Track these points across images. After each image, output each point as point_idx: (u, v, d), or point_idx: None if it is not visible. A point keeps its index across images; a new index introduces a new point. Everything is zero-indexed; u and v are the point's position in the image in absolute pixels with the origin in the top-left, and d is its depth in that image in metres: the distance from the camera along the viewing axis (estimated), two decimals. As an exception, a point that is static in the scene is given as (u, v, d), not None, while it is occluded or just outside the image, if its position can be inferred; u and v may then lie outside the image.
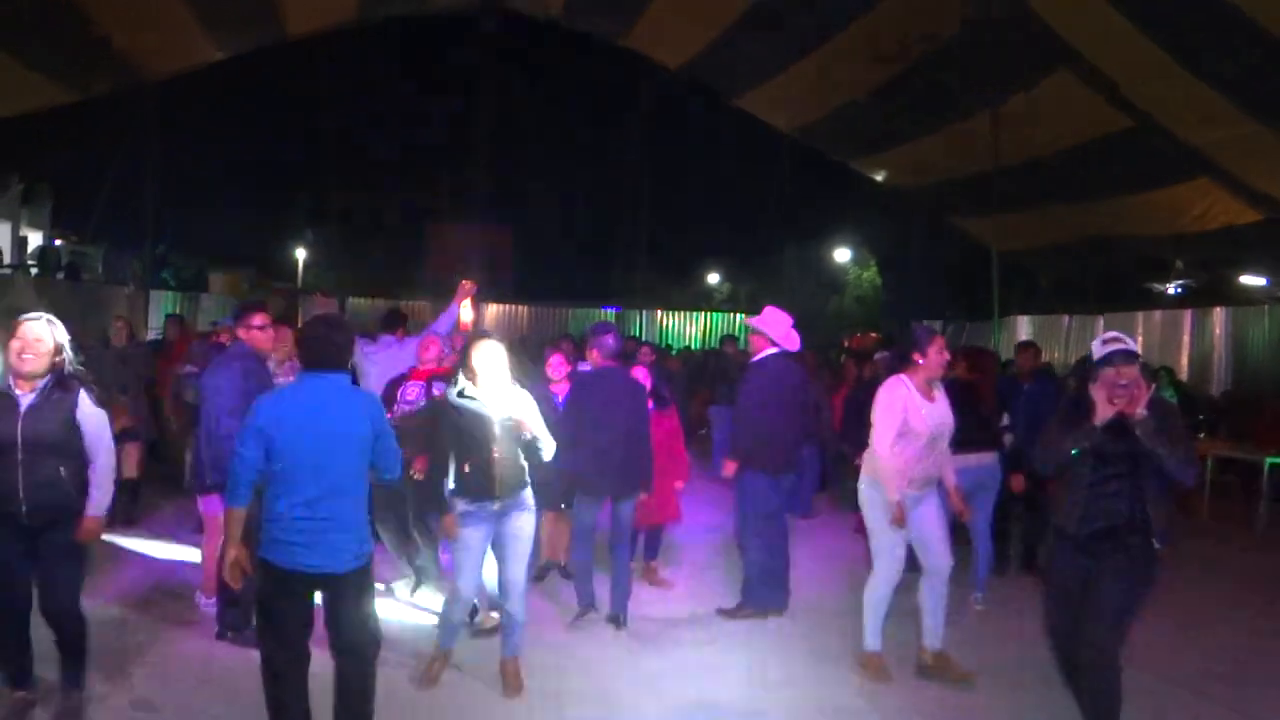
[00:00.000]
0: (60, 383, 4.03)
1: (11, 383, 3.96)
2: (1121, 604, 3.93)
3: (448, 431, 4.55)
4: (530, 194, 25.06)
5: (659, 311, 24.12)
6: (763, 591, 5.94)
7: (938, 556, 5.00)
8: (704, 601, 6.34)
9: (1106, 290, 17.38)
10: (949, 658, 5.06)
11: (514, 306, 22.92)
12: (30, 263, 21.12)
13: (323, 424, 3.60)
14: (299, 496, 3.58)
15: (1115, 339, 3.96)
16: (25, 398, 3.94)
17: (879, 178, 18.41)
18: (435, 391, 5.85)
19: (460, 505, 4.55)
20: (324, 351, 3.73)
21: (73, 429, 4.03)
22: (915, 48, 12.87)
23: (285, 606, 3.67)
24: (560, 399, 6.48)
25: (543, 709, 4.52)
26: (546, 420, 4.71)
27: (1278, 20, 8.77)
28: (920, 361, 4.90)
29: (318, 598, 3.73)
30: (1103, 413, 3.86)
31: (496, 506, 4.52)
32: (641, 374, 6.39)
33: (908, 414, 4.83)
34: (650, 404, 6.36)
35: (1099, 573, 3.94)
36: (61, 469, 3.99)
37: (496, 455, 4.45)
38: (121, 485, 7.81)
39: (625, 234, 27.89)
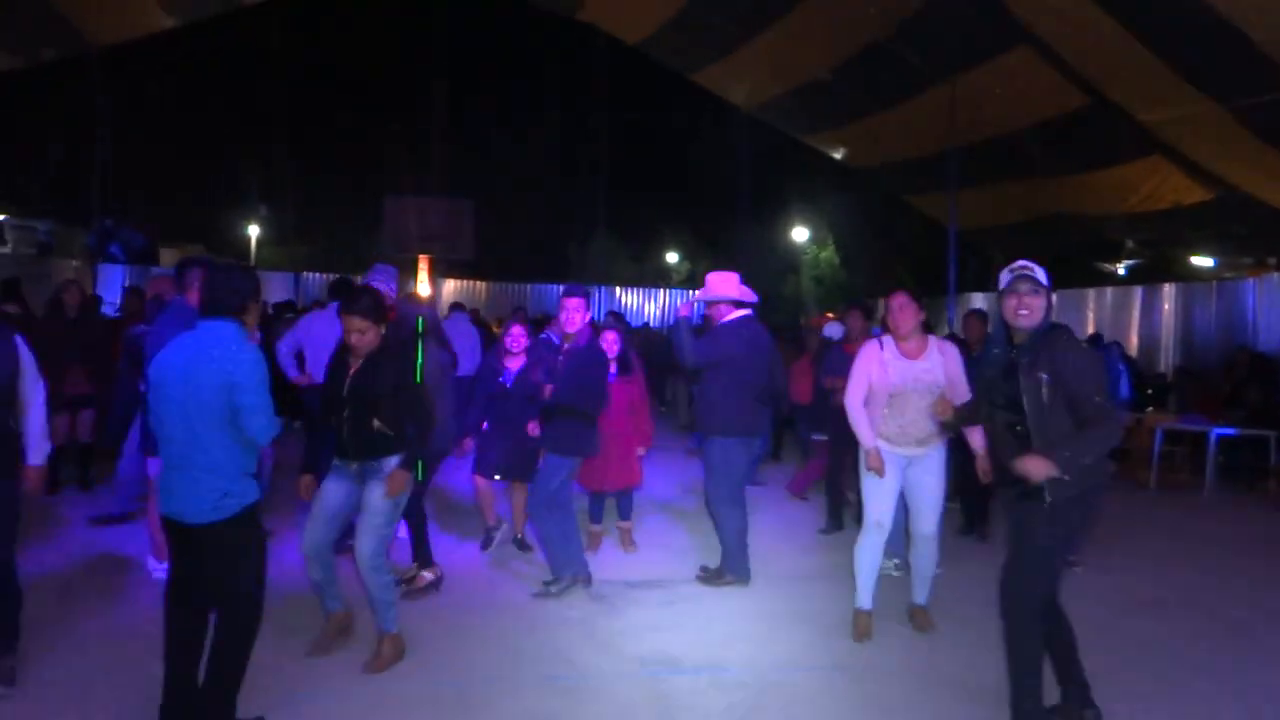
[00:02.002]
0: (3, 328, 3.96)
1: None
2: (1011, 557, 3.88)
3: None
4: (489, 171, 24.81)
5: (617, 289, 24.08)
6: (743, 558, 5.93)
7: (922, 522, 5.10)
8: (662, 565, 6.37)
9: (1059, 268, 17.57)
10: (925, 613, 5.23)
11: (472, 282, 22.78)
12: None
13: (189, 371, 3.52)
14: (166, 443, 3.58)
15: (1022, 265, 3.83)
16: None
17: (837, 155, 18.49)
18: None
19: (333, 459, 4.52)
20: (212, 297, 3.64)
21: (16, 377, 3.98)
22: (875, 24, 12.92)
23: (172, 551, 3.71)
24: (514, 371, 6.51)
25: (498, 665, 4.51)
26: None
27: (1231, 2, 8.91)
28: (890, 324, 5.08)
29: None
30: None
31: (354, 468, 4.45)
32: (610, 339, 6.43)
33: (871, 372, 5.01)
34: (614, 370, 6.41)
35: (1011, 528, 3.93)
36: (10, 419, 3.95)
37: (346, 416, 4.38)
38: (75, 451, 7.77)
39: (584, 212, 27.83)
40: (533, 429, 6.14)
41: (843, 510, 7.51)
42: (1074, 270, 18.47)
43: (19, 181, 22.63)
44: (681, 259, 32.01)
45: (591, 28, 17.74)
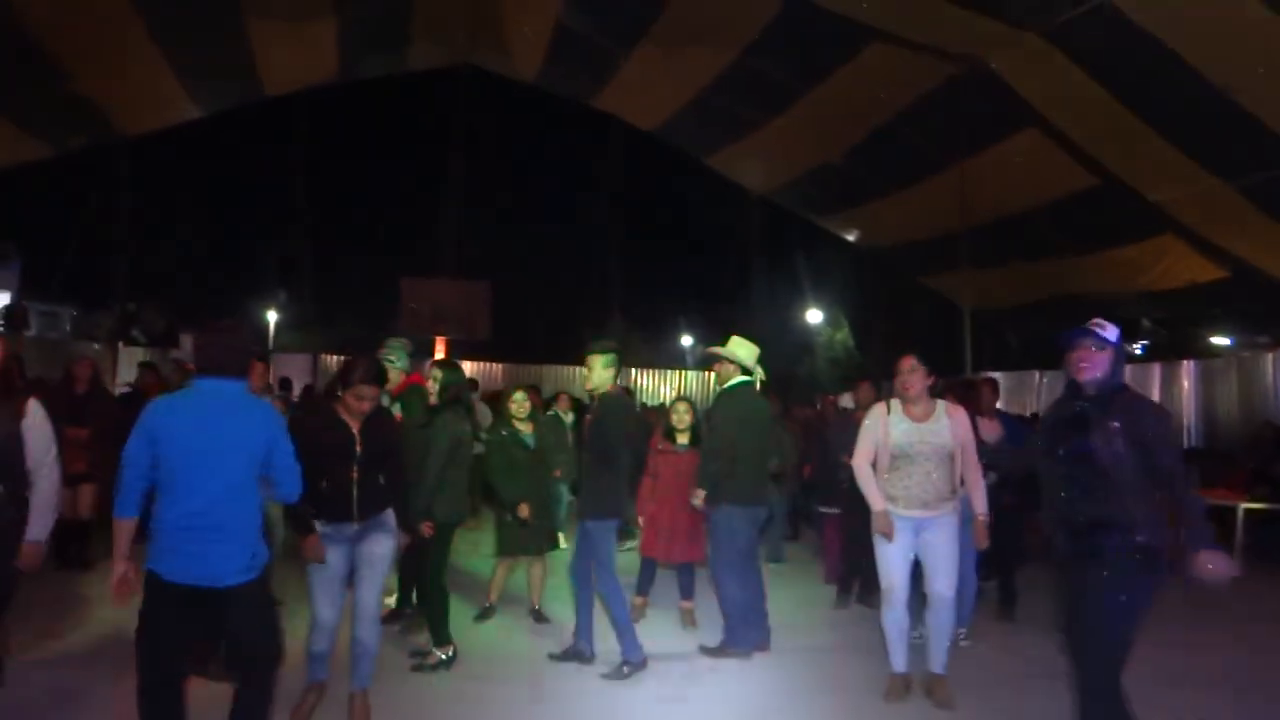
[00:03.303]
0: (6, 391, 3.83)
1: None
2: (1090, 621, 3.68)
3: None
4: (504, 253, 25.14)
5: (632, 370, 24.13)
6: (745, 629, 5.84)
7: (938, 585, 5.01)
8: (683, 638, 6.25)
9: (1075, 347, 17.51)
10: (944, 684, 5.04)
11: (488, 364, 22.87)
12: (-1, 321, 20.86)
13: (212, 432, 3.42)
14: (185, 506, 3.39)
15: (1094, 322, 3.84)
16: None
17: (850, 237, 18.66)
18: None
19: (318, 527, 4.39)
20: (220, 357, 3.55)
21: (16, 442, 3.82)
22: (884, 109, 13.16)
23: (165, 620, 3.44)
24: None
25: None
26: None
27: (1235, 80, 9.05)
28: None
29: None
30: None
31: (355, 528, 4.41)
32: (682, 410, 6.68)
33: (876, 434, 5.07)
34: (685, 441, 6.57)
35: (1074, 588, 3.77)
36: (8, 489, 3.78)
37: (355, 476, 4.35)
38: (75, 528, 7.66)
39: (599, 294, 28.04)
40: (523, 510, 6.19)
41: (852, 584, 7.35)
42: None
43: (44, 267, 23.04)
44: (695, 341, 32.12)
45: (607, 115, 18.15)
